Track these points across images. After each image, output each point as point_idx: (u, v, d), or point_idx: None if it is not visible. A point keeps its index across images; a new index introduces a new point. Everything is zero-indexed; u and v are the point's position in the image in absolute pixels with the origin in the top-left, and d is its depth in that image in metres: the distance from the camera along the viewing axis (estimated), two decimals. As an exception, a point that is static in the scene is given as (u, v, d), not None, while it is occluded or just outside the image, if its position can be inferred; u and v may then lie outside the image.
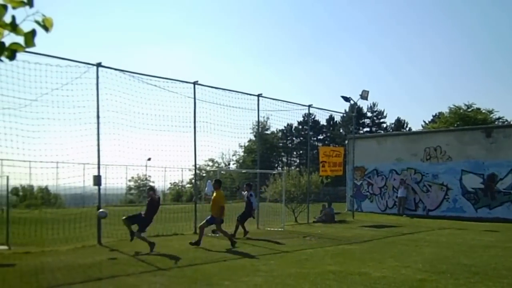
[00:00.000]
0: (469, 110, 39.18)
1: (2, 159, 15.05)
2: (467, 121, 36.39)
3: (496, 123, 37.11)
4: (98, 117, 12.39)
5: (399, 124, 61.87)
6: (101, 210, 12.02)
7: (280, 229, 16.55)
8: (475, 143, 22.06)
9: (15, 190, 26.37)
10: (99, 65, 12.32)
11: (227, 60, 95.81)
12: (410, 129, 59.21)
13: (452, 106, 40.35)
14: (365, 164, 26.05)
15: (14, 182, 20.30)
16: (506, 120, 39.17)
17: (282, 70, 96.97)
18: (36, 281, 7.90)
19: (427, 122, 54.06)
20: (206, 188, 15.05)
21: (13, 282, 7.88)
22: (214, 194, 12.58)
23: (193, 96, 15.25)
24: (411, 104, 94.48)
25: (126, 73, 13.10)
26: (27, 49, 2.42)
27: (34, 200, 28.04)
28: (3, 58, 2.37)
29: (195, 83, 15.30)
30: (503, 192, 20.84)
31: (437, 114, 49.67)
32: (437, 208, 22.76)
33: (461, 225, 18.37)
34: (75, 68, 11.75)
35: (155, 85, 13.90)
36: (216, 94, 15.94)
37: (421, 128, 52.21)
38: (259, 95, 17.75)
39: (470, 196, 21.83)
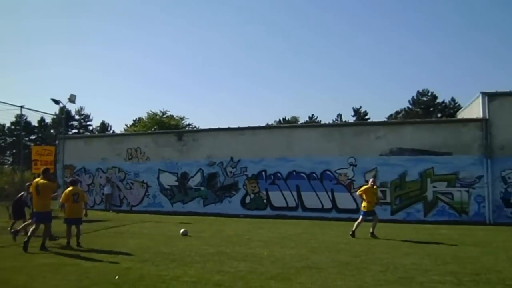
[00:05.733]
0: (164, 116, 43.14)
1: None
2: (162, 126, 40.14)
3: (187, 128, 41.49)
4: None
5: (104, 127, 64.01)
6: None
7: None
8: (169, 145, 24.37)
9: None
10: None
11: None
12: (113, 131, 62.29)
13: (149, 112, 43.65)
14: (74, 163, 26.57)
15: None
16: (195, 126, 45.35)
17: None
18: None
19: (128, 125, 56.26)
20: None
21: None
22: None
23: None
24: (115, 108, 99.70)
25: None
26: None
27: None
28: None
29: None
30: (194, 188, 23.58)
31: (137, 118, 52.35)
32: (139, 204, 24.66)
33: (160, 218, 20.15)
34: None
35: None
36: None
37: (123, 131, 54.09)
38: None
39: (167, 193, 24.17)
